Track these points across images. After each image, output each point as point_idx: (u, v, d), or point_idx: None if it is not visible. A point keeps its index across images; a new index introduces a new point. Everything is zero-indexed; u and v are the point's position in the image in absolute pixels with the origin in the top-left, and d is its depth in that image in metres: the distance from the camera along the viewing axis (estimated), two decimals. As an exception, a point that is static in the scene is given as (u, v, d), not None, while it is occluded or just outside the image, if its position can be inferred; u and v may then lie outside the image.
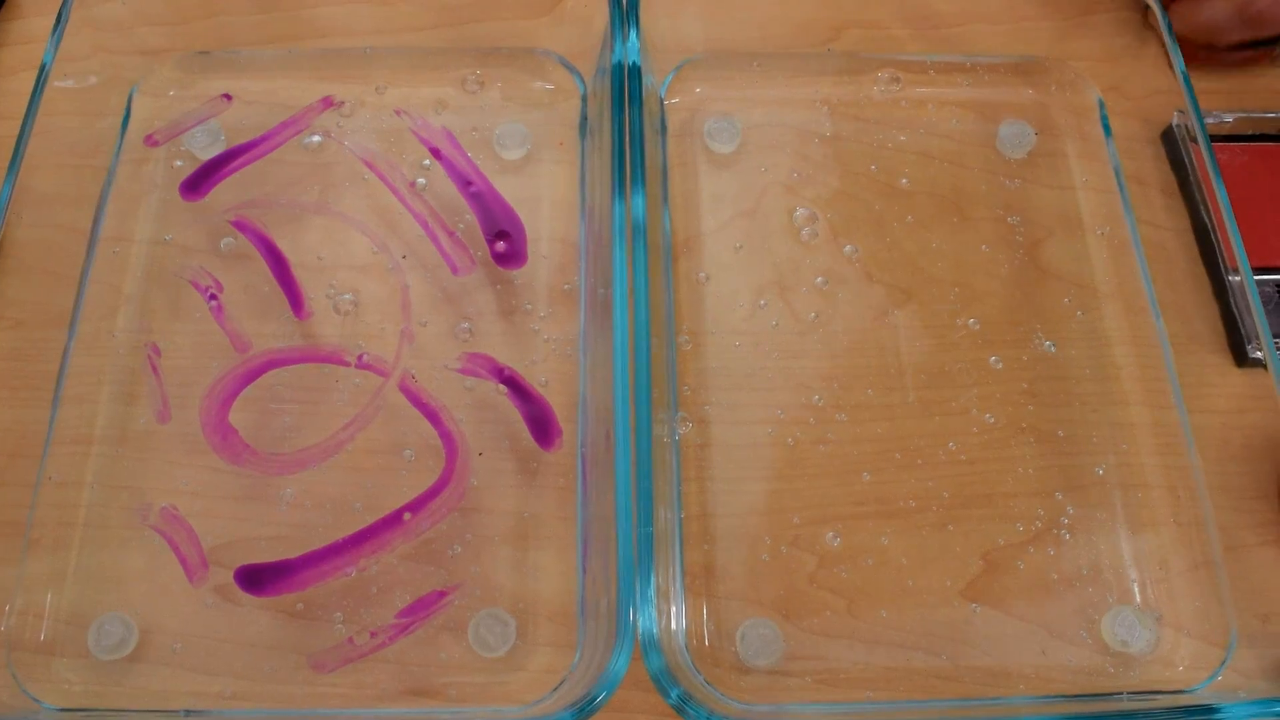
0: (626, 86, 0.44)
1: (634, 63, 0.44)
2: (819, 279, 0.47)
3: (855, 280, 0.47)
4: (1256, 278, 0.50)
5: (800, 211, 0.48)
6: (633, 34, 0.45)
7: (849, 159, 0.50)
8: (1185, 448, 0.45)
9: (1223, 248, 0.49)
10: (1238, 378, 0.47)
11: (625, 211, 0.41)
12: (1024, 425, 0.45)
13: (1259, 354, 0.48)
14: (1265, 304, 0.49)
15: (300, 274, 0.46)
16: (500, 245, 0.46)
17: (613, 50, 0.45)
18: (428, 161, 0.48)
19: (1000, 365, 0.46)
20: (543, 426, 0.43)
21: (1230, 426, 0.46)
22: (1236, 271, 0.50)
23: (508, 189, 0.48)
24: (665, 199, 0.48)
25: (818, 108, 0.51)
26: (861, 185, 0.50)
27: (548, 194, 0.48)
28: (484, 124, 0.50)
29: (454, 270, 0.46)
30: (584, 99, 0.50)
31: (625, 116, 0.43)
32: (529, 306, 0.45)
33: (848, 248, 0.47)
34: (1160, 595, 0.42)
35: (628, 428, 0.37)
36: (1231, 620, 0.42)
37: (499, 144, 0.49)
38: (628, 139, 0.42)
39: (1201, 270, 0.49)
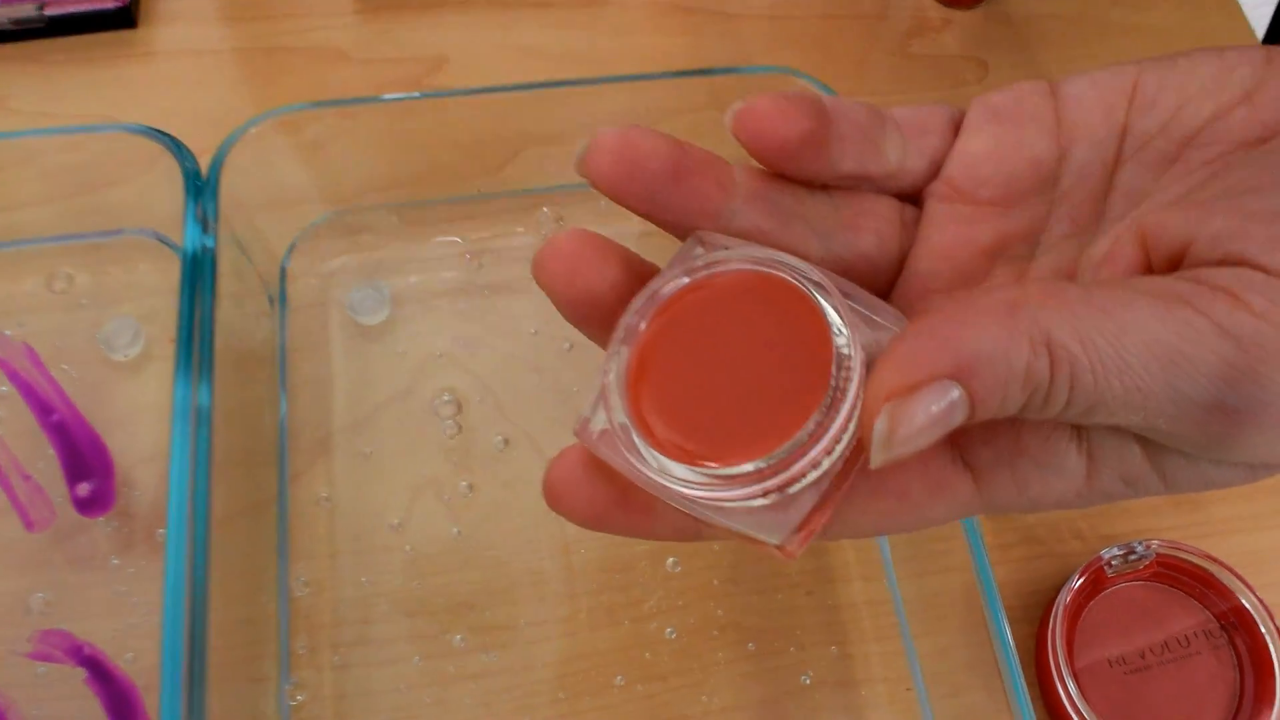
0: (193, 268, 0.36)
1: (206, 244, 0.36)
2: (463, 483, 0.40)
3: (520, 465, 0.40)
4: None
5: (446, 397, 0.41)
6: (207, 206, 0.37)
7: (512, 318, 0.43)
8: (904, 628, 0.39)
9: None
10: (982, 524, 0.40)
11: (190, 421, 0.33)
12: (715, 630, 0.38)
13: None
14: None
15: None
16: (82, 489, 0.39)
17: (184, 229, 0.37)
18: (4, 388, 0.41)
19: (678, 568, 0.39)
20: (125, 717, 0.36)
21: (974, 585, 0.39)
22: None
23: (117, 401, 0.41)
24: (283, 393, 0.41)
25: (468, 262, 0.44)
26: (527, 347, 0.43)
27: (155, 401, 0.41)
28: (82, 326, 0.42)
29: (29, 526, 0.38)
30: (193, 284, 0.43)
31: (195, 304, 0.35)
32: (115, 562, 0.38)
33: (497, 438, 0.40)
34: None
35: (176, 708, 0.30)
36: None
37: (107, 346, 0.42)
38: (197, 328, 0.35)
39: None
